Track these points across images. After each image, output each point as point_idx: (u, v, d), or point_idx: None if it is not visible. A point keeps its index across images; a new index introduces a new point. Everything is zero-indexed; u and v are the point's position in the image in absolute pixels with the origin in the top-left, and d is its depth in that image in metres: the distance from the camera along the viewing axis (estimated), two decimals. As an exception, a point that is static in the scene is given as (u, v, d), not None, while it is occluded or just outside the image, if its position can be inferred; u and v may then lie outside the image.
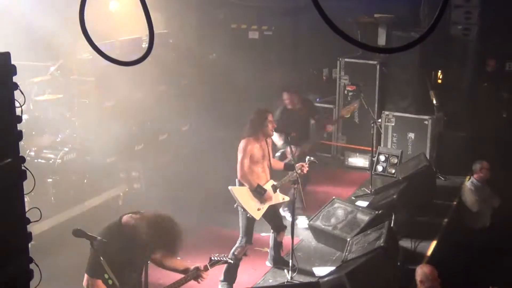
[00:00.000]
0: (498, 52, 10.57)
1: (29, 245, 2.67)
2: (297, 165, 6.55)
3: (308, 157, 6.96)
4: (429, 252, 7.15)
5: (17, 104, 2.55)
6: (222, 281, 6.44)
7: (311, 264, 6.96)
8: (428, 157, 9.05)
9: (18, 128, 2.55)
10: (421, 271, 5.49)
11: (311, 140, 8.32)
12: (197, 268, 4.67)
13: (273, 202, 6.50)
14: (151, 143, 9.61)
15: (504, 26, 10.16)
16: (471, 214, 8.21)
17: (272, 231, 6.81)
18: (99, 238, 4.16)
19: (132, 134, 9.27)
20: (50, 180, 7.88)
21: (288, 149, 6.97)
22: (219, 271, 6.51)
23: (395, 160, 9.56)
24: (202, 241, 7.60)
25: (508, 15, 10.08)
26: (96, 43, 2.69)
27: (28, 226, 2.64)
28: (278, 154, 7.81)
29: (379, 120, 9.87)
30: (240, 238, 6.44)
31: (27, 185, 2.65)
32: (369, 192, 8.95)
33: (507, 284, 5.26)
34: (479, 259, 7.16)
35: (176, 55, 10.36)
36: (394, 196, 7.45)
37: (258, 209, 6.36)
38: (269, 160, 6.57)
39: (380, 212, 7.17)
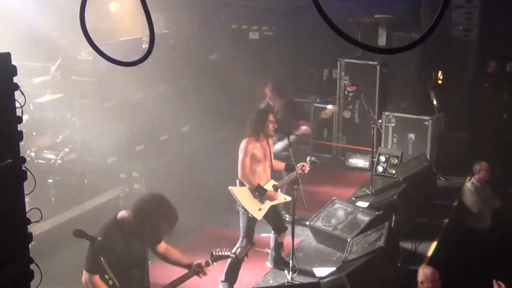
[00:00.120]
0: (499, 52, 10.56)
1: (30, 245, 2.67)
2: (298, 165, 6.55)
3: (309, 157, 6.97)
4: (430, 253, 7.15)
5: (17, 105, 2.55)
6: (223, 281, 6.43)
7: (311, 264, 6.96)
8: (428, 158, 9.05)
9: (19, 129, 2.55)
10: (422, 272, 5.50)
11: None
12: (199, 264, 4.66)
13: (274, 202, 6.49)
14: (151, 143, 9.61)
15: (505, 26, 10.16)
16: (471, 215, 8.20)
17: (272, 231, 6.80)
18: (99, 238, 4.16)
19: (132, 135, 9.27)
20: (51, 180, 7.88)
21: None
22: (220, 271, 6.51)
23: (396, 161, 9.56)
24: (203, 242, 7.60)
25: (509, 15, 10.07)
26: (96, 44, 2.69)
27: (28, 226, 2.64)
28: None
29: (380, 120, 9.87)
30: (241, 239, 6.43)
31: (27, 185, 2.65)
32: (369, 192, 8.95)
33: (507, 284, 5.26)
34: (480, 260, 7.15)
35: (176, 55, 10.36)
36: (395, 197, 7.45)
37: (259, 209, 6.36)
38: (271, 160, 6.57)
39: (380, 212, 7.17)
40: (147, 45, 2.62)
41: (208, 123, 9.99)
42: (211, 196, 8.30)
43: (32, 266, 2.67)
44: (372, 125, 9.02)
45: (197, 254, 7.11)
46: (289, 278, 6.53)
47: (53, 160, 7.94)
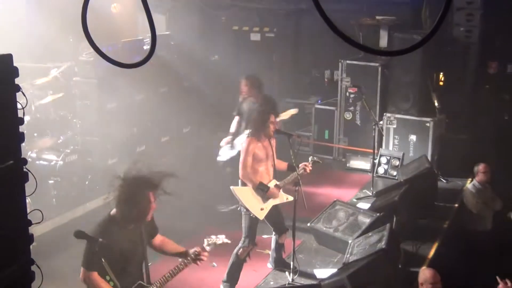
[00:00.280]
0: (500, 54, 10.55)
1: (31, 246, 2.67)
2: (300, 165, 6.54)
3: (311, 157, 6.97)
4: (431, 255, 7.14)
5: (19, 106, 2.55)
6: (225, 281, 6.43)
7: (312, 266, 6.96)
8: (429, 159, 9.04)
9: (20, 130, 2.56)
10: (422, 274, 5.50)
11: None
12: (195, 251, 4.70)
13: (276, 202, 6.49)
14: (152, 144, 9.62)
15: (506, 28, 10.15)
16: (472, 217, 8.19)
17: (273, 233, 6.80)
18: (100, 239, 4.17)
19: (133, 136, 9.28)
20: (52, 181, 7.89)
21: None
22: (222, 271, 6.51)
23: (397, 162, 9.55)
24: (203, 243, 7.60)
25: (510, 17, 10.06)
26: (98, 45, 2.69)
27: (29, 228, 2.65)
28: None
29: (381, 122, 9.87)
30: (243, 239, 6.42)
31: (28, 186, 2.65)
32: (370, 194, 8.94)
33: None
34: (481, 262, 7.13)
35: (177, 56, 10.37)
36: (396, 198, 7.44)
37: (261, 209, 6.35)
38: (273, 160, 6.56)
39: (381, 214, 7.16)
40: (148, 47, 2.62)
41: (209, 124, 10.01)
42: (212, 197, 8.30)
43: (33, 267, 2.67)
44: (374, 127, 9.02)
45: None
46: (290, 280, 6.52)
47: (54, 161, 7.95)
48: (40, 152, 8.03)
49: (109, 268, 4.21)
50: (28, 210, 2.66)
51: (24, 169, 2.58)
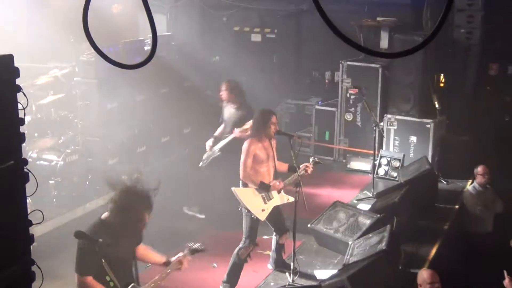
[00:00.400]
0: (501, 55, 10.54)
1: (31, 247, 2.68)
2: (301, 166, 6.54)
3: (312, 157, 6.97)
4: (431, 256, 7.14)
5: (19, 106, 2.55)
6: (225, 282, 6.43)
7: (312, 267, 6.96)
8: (430, 161, 9.04)
9: (21, 130, 2.56)
10: (420, 275, 5.50)
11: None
12: (178, 259, 4.69)
13: (277, 203, 6.48)
14: (153, 145, 9.63)
15: (507, 29, 10.14)
16: (472, 219, 8.17)
17: (274, 233, 6.80)
18: (100, 240, 4.16)
19: (134, 136, 9.28)
20: (52, 182, 7.89)
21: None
22: (222, 271, 6.51)
23: (397, 164, 9.55)
24: (205, 243, 7.58)
25: (511, 18, 10.06)
26: (99, 46, 2.69)
27: (30, 228, 2.65)
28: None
29: (381, 123, 9.87)
30: (243, 239, 6.42)
31: (29, 187, 2.65)
32: (371, 195, 8.94)
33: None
34: (481, 264, 7.12)
35: (178, 57, 10.37)
36: (396, 200, 7.44)
37: (263, 210, 6.35)
38: (274, 161, 6.57)
39: (381, 215, 7.16)
40: (149, 47, 2.62)
41: (210, 125, 9.99)
42: (213, 197, 8.29)
43: (34, 268, 2.67)
44: (374, 128, 9.02)
45: (198, 255, 7.13)
46: (290, 281, 6.52)
47: (54, 161, 7.95)
48: (40, 152, 8.03)
49: (109, 269, 4.20)
50: (29, 211, 2.66)
51: (25, 170, 2.58)
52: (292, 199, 6.51)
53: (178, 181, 8.81)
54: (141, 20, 10.14)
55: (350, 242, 6.75)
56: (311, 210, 6.85)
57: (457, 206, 8.60)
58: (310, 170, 6.59)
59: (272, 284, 6.66)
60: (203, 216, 8.33)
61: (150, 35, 2.59)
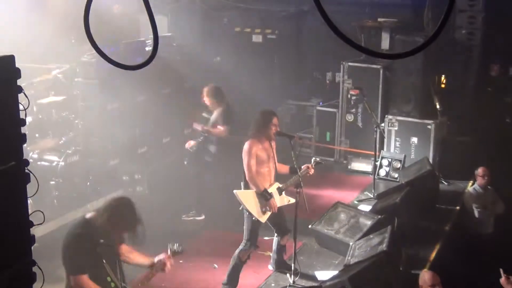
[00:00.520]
0: (502, 56, 10.54)
1: (32, 247, 2.68)
2: (303, 166, 6.54)
3: (313, 158, 6.96)
4: (432, 257, 7.13)
5: (20, 107, 2.55)
6: (225, 284, 6.42)
7: (313, 268, 6.95)
8: (431, 162, 9.04)
9: (22, 131, 2.56)
10: (421, 276, 5.50)
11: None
12: (160, 260, 4.68)
13: (278, 205, 6.48)
14: (154, 145, 9.62)
15: (508, 30, 10.13)
16: (473, 220, 8.18)
17: (275, 234, 6.79)
18: (101, 241, 4.16)
19: (135, 137, 9.28)
20: (53, 182, 7.89)
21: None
22: (222, 272, 6.51)
23: (398, 165, 9.55)
24: (205, 245, 7.60)
25: (512, 19, 10.06)
26: (100, 46, 2.69)
27: (31, 229, 2.65)
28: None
29: (382, 124, 9.86)
30: (244, 241, 6.42)
31: (30, 187, 2.65)
32: (372, 196, 8.93)
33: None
34: (482, 266, 7.12)
35: (180, 58, 10.37)
36: (397, 201, 7.44)
37: (264, 212, 6.35)
38: (274, 162, 6.56)
39: (382, 216, 7.15)
40: (150, 48, 2.62)
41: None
42: (214, 198, 8.30)
43: (35, 268, 2.67)
44: (375, 129, 9.02)
45: (199, 256, 7.15)
46: (291, 282, 6.52)
47: (55, 162, 7.95)
48: (41, 153, 8.03)
49: (111, 270, 4.20)
50: (30, 211, 2.66)
51: (26, 170, 2.58)
52: (293, 200, 6.51)
53: (179, 182, 8.81)
54: (142, 20, 10.13)
55: (351, 243, 6.75)
56: (312, 211, 6.85)
57: (458, 207, 8.59)
58: (312, 171, 6.58)
59: (273, 285, 6.65)
60: (202, 217, 8.32)
61: (151, 36, 2.59)
